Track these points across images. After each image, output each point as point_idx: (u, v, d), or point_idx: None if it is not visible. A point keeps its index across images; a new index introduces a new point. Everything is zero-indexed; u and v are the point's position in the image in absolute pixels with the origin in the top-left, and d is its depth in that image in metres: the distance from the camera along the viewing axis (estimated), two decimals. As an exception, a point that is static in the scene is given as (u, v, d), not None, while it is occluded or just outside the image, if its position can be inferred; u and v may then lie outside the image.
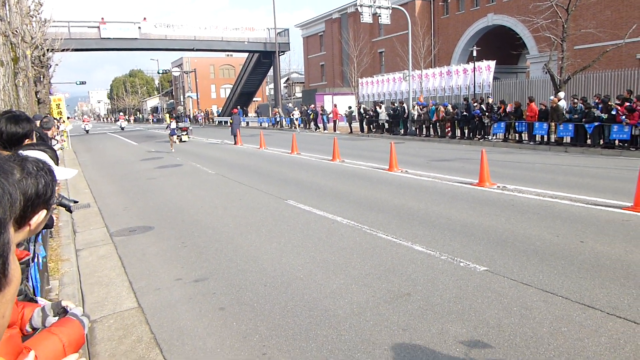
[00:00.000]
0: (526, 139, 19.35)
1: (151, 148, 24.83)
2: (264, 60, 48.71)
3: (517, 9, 33.07)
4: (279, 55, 46.93)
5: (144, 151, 23.37)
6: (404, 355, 3.73)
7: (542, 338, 3.86)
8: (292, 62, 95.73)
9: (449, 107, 22.86)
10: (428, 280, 5.20)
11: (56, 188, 1.57)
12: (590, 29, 23.98)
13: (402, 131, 25.98)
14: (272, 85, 61.43)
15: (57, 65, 28.21)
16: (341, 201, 9.48)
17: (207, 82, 76.37)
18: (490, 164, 11.03)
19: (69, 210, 3.83)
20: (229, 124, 31.20)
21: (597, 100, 17.17)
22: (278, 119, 40.26)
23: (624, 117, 15.41)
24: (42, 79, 25.04)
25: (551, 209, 8.11)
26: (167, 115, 32.90)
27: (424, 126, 24.56)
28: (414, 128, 25.06)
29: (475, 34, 38.09)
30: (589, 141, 16.86)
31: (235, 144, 24.44)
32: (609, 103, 16.38)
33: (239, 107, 42.46)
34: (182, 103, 79.25)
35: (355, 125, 30.29)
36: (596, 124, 16.35)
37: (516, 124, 19.56)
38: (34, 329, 1.66)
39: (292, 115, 35.77)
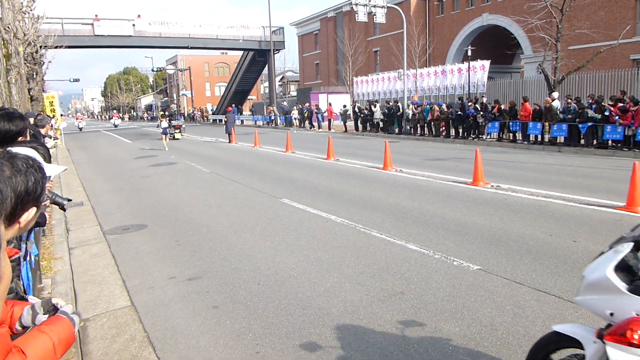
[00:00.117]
0: (520, 138, 19.43)
1: (145, 146, 24.74)
2: (258, 58, 48.62)
3: (512, 9, 33.17)
4: (274, 54, 46.86)
5: (137, 149, 23.28)
6: (397, 354, 3.73)
7: (534, 337, 3.87)
8: (287, 61, 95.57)
9: (444, 106, 22.92)
10: (422, 279, 5.21)
11: (47, 185, 1.56)
12: (584, 30, 24.10)
13: (396, 130, 26.02)
14: (267, 84, 61.36)
15: (50, 62, 28.06)
16: (335, 200, 9.48)
17: (201, 80, 76.18)
18: (484, 163, 11.06)
19: (62, 208, 3.81)
20: (223, 122, 31.11)
21: (590, 101, 17.26)
22: (273, 118, 40.21)
23: (617, 117, 15.50)
24: (35, 76, 24.90)
25: (544, 208, 8.14)
26: (161, 114, 32.82)
27: (418, 125, 24.61)
28: (408, 127, 25.10)
29: (470, 34, 38.17)
30: (582, 141, 16.95)
31: (229, 142, 24.39)
32: (602, 103, 16.47)
33: (233, 105, 42.39)
34: (175, 101, 79.05)
35: (350, 124, 30.31)
36: (590, 124, 16.44)
37: (510, 123, 19.63)
38: (24, 328, 1.65)
39: (291, 114, 35.53)
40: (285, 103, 45.23)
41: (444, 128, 22.90)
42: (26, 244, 3.07)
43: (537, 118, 18.49)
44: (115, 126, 53.39)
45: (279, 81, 66.46)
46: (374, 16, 26.72)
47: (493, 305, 4.47)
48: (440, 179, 11.50)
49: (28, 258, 3.59)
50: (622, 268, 2.41)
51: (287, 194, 10.22)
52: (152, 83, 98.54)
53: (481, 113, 20.68)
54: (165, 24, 43.39)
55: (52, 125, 14.97)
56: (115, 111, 78.66)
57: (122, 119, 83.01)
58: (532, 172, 12.26)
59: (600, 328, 2.43)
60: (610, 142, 16.19)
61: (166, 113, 31.39)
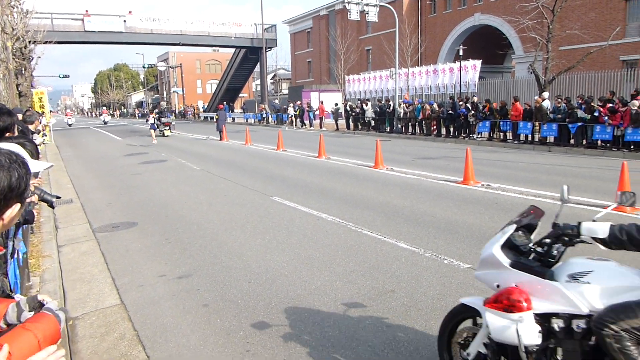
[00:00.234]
0: (510, 138, 19.54)
1: (135, 143, 24.59)
2: (250, 56, 48.47)
3: (504, 9, 33.33)
4: (266, 51, 46.73)
5: (128, 146, 23.14)
6: (387, 352, 3.74)
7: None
8: (279, 59, 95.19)
9: (435, 105, 22.98)
10: (412, 277, 5.23)
11: (34, 182, 1.54)
12: (575, 31, 24.29)
13: (388, 129, 26.06)
14: (258, 81, 61.18)
15: (39, 57, 27.69)
16: (326, 198, 9.48)
17: (193, 77, 75.84)
18: (474, 162, 11.11)
19: (51, 205, 3.77)
20: (214, 119, 31.01)
21: (580, 101, 17.40)
22: (264, 115, 40.11)
23: (606, 117, 15.64)
24: (23, 72, 24.62)
25: (534, 207, 8.19)
26: (149, 110, 32.89)
27: (409, 124, 24.67)
28: (400, 126, 25.15)
29: (462, 33, 38.32)
30: (572, 141, 17.08)
31: (221, 139, 24.31)
32: (592, 104, 16.61)
33: (225, 102, 42.20)
34: (165, 98, 78.57)
35: (342, 122, 30.30)
36: (579, 124, 16.57)
37: (501, 123, 19.73)
38: (9, 325, 1.62)
39: (287, 112, 34.84)
40: (277, 101, 45.11)
41: (435, 127, 22.97)
42: (13, 241, 3.03)
43: (527, 118, 18.60)
44: (105, 123, 53.02)
45: (271, 79, 66.33)
46: (367, 15, 26.71)
47: (483, 304, 4.48)
48: (431, 177, 11.54)
49: (16, 256, 3.55)
50: (510, 247, 2.79)
51: (278, 191, 10.20)
52: (143, 80, 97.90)
53: (472, 112, 20.77)
54: (156, 21, 43.11)
55: (41, 122, 14.82)
56: (104, 108, 77.96)
57: (113, 115, 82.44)
58: (522, 171, 12.34)
59: (487, 298, 2.79)
60: (599, 142, 16.33)
61: (155, 110, 31.58)
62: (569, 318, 2.54)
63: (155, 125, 23.78)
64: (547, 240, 2.73)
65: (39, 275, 5.51)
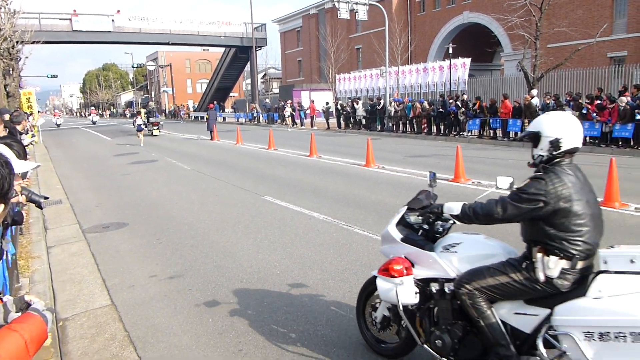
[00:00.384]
0: (500, 135, 19.65)
1: (125, 143, 24.43)
2: (240, 55, 48.32)
3: (492, 7, 33.48)
4: (256, 50, 46.62)
5: (117, 146, 22.99)
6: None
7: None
8: (270, 58, 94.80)
9: (425, 103, 23.06)
10: (404, 275, 5.23)
11: (18, 182, 1.52)
12: (562, 28, 24.42)
13: (378, 127, 26.11)
14: (249, 81, 61.03)
15: (27, 57, 27.42)
16: (318, 197, 9.48)
17: (183, 76, 75.45)
18: (465, 160, 11.16)
19: (39, 206, 3.74)
20: (205, 119, 30.88)
21: (568, 98, 17.53)
22: (255, 115, 40.01)
23: (594, 114, 15.78)
24: (11, 72, 24.39)
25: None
26: (143, 111, 32.78)
27: (400, 122, 24.72)
28: (390, 124, 25.20)
29: (451, 32, 38.46)
30: (561, 138, 17.19)
31: (211, 139, 24.22)
32: (579, 101, 16.74)
33: (215, 102, 42.05)
34: (153, 98, 78.13)
35: (333, 121, 30.30)
36: (568, 121, 16.68)
37: (490, 120, 19.84)
38: None
39: (285, 111, 33.66)
40: (267, 100, 45.00)
41: (425, 125, 23.04)
42: (1, 242, 3.00)
43: (516, 115, 18.72)
44: (94, 123, 52.68)
45: (261, 78, 66.21)
46: (356, 13, 26.73)
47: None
48: (422, 175, 11.57)
49: (4, 257, 3.52)
50: (405, 225, 3.40)
51: (269, 191, 10.18)
52: (132, 80, 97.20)
53: (462, 110, 20.87)
54: (145, 20, 42.84)
55: (28, 121, 14.69)
56: (93, 108, 77.39)
57: (102, 115, 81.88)
58: (512, 168, 12.40)
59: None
60: (588, 138, 16.46)
61: (141, 110, 31.56)
62: (443, 282, 3.04)
63: (142, 126, 23.55)
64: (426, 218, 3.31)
65: (29, 277, 5.46)
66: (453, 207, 3.02)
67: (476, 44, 36.02)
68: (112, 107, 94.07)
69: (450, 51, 27.47)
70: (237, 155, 17.61)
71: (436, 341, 3.01)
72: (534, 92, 19.03)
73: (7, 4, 21.83)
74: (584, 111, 16.24)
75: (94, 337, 4.13)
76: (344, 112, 28.59)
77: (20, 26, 25.31)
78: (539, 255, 2.67)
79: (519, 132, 18.79)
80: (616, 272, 2.50)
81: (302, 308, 4.54)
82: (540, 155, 2.81)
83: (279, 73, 67.74)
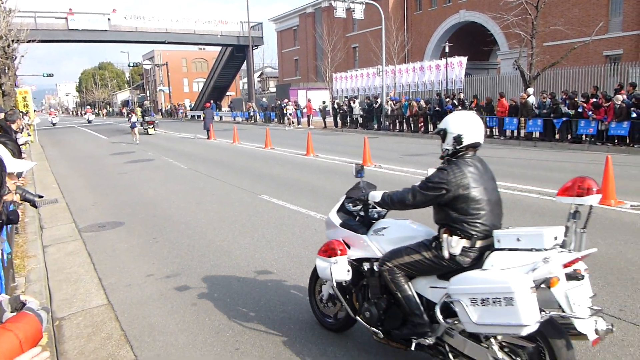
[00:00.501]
0: (497, 134, 19.68)
1: (121, 142, 24.38)
2: (237, 54, 48.24)
3: (488, 6, 33.49)
4: (253, 49, 46.55)
5: (114, 145, 22.94)
6: (378, 349, 3.75)
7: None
8: (266, 57, 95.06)
9: (422, 102, 23.07)
10: (401, 273, 5.24)
11: (13, 181, 1.51)
12: (558, 26, 24.48)
13: (375, 126, 26.12)
14: (245, 80, 60.90)
15: (22, 56, 27.30)
16: (315, 196, 9.47)
17: (179, 75, 75.25)
18: (462, 158, 11.15)
19: (33, 205, 3.73)
20: (201, 118, 30.80)
21: (564, 96, 17.57)
22: (252, 114, 39.95)
23: (590, 112, 15.81)
24: (7, 71, 24.27)
25: (520, 202, 8.27)
26: (139, 110, 32.89)
27: (397, 121, 24.73)
28: (387, 123, 25.21)
29: (447, 30, 38.47)
30: (557, 136, 17.25)
31: (208, 138, 24.18)
32: (575, 99, 16.78)
33: (212, 101, 41.99)
34: (151, 97, 77.86)
35: (330, 120, 30.29)
36: (564, 119, 16.73)
37: (487, 119, 19.87)
38: None
39: (286, 110, 33.01)
40: (264, 99, 44.95)
41: (422, 124, 23.06)
42: (-3, 241, 2.99)
43: (513, 114, 18.75)
44: (89, 122, 52.55)
45: (258, 77, 66.10)
46: (353, 12, 26.70)
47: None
48: (419, 174, 11.57)
49: (0, 256, 3.50)
50: (345, 212, 3.88)
51: (266, 190, 10.17)
52: (128, 78, 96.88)
53: (459, 108, 20.88)
54: (141, 19, 42.73)
55: (23, 119, 14.62)
56: (88, 107, 77.09)
57: (98, 114, 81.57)
58: (508, 166, 12.43)
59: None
60: (584, 136, 16.51)
61: (137, 108, 31.74)
62: (373, 261, 3.44)
63: (136, 124, 24.02)
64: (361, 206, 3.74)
65: (24, 276, 5.44)
66: (376, 195, 3.44)
67: (472, 43, 36.05)
68: (108, 106, 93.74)
69: (447, 50, 27.48)
70: (234, 154, 17.59)
71: (365, 313, 3.41)
72: (530, 90, 19.07)
73: (2, 3, 21.74)
74: (580, 110, 16.28)
75: (90, 336, 4.11)
76: (341, 111, 28.58)
77: (16, 25, 25.23)
78: (445, 235, 3.03)
79: (515, 131, 18.85)
80: (509, 250, 2.87)
81: (298, 307, 4.54)
82: (446, 149, 3.19)
83: (275, 72, 67.64)
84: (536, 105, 18.15)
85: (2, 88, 22.85)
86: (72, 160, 17.85)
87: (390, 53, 32.80)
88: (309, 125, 31.30)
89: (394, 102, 25.01)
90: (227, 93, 61.00)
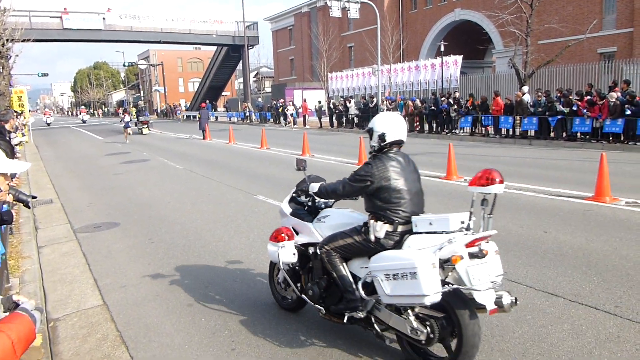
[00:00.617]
0: (492, 132, 19.73)
1: (116, 142, 24.30)
2: (232, 53, 48.13)
3: (483, 4, 33.53)
4: (248, 49, 46.46)
5: (109, 146, 22.86)
6: (375, 349, 3.74)
7: (507, 326, 3.94)
8: (262, 56, 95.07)
9: (417, 101, 23.09)
10: (397, 272, 5.23)
11: (12, 183, 1.50)
12: (553, 24, 24.53)
13: (371, 125, 26.08)
14: (241, 80, 60.82)
15: (17, 56, 27.14)
16: (311, 195, 9.45)
17: (174, 75, 75.04)
18: (457, 157, 11.19)
19: (27, 205, 3.70)
20: (197, 118, 30.74)
21: (559, 94, 17.62)
22: (247, 114, 39.89)
23: (585, 110, 15.87)
24: (1, 70, 24.12)
25: (516, 200, 8.29)
26: (134, 109, 32.95)
27: (393, 120, 24.71)
28: (383, 122, 25.17)
29: (442, 29, 38.52)
30: (552, 134, 17.31)
31: (203, 138, 24.13)
32: (569, 97, 16.83)
33: (207, 101, 41.90)
34: (146, 97, 77.62)
35: (325, 120, 30.28)
36: (559, 117, 16.78)
37: (482, 117, 19.91)
38: None
39: (287, 110, 32.49)
40: (260, 99, 44.89)
41: (417, 123, 23.09)
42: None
43: (508, 112, 18.80)
44: (84, 122, 52.41)
45: (254, 77, 66.03)
46: (348, 11, 26.70)
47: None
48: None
49: (-7, 258, 3.48)
50: (296, 202, 4.36)
51: (262, 190, 10.16)
52: (123, 78, 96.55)
53: (454, 107, 20.92)
54: (136, 18, 42.57)
55: (17, 119, 14.55)
56: (83, 107, 76.84)
57: (93, 114, 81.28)
58: (504, 165, 12.45)
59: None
60: (579, 134, 16.57)
61: (132, 108, 31.85)
62: (316, 246, 3.79)
63: (129, 124, 24.24)
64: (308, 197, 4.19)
65: (19, 277, 5.41)
66: (314, 187, 3.87)
67: (468, 42, 36.10)
68: (103, 106, 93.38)
69: (442, 49, 27.52)
70: (229, 154, 17.56)
71: (309, 291, 3.79)
72: (525, 88, 19.11)
73: (-4, 3, 21.59)
74: (574, 108, 16.33)
75: (85, 337, 4.09)
76: (337, 111, 28.57)
77: (10, 24, 25.04)
78: (371, 221, 3.43)
79: (510, 129, 18.89)
80: (424, 233, 3.28)
81: (295, 306, 4.53)
82: (373, 145, 3.60)
83: (271, 72, 67.58)
84: (531, 104, 18.20)
85: (-3, 88, 22.70)
86: (67, 160, 17.78)
87: (386, 52, 32.83)
88: (304, 125, 31.28)
89: (390, 101, 25.04)
90: (223, 93, 60.86)
